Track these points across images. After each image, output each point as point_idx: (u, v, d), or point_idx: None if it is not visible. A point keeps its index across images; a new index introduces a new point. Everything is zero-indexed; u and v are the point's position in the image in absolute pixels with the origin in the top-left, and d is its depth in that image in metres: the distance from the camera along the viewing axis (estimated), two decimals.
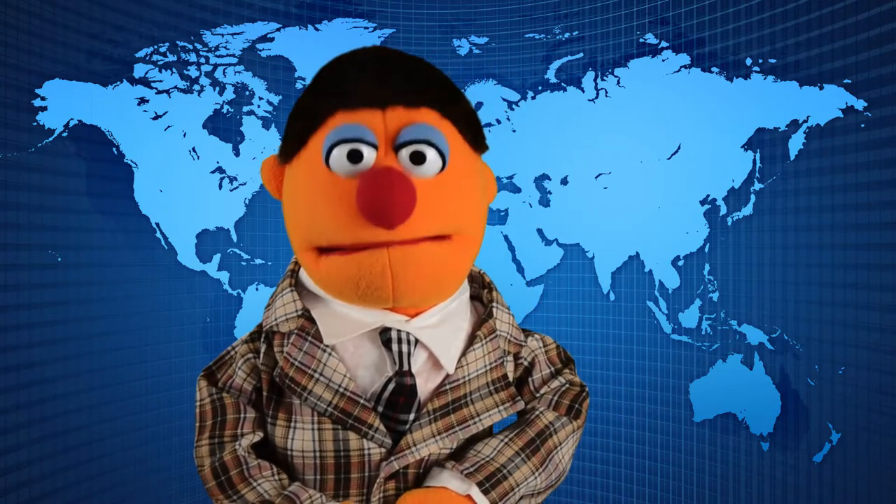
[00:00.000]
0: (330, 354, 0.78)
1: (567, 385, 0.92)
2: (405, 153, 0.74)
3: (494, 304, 0.88)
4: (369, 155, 0.74)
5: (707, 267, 2.39)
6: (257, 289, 2.51)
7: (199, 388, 0.85)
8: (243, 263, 2.48)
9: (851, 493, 2.00)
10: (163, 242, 2.32)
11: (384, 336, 0.79)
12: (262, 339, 0.84)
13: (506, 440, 0.82)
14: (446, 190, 0.76)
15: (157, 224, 2.31)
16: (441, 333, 0.82)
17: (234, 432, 0.80)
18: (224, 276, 2.45)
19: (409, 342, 0.79)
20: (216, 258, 2.43)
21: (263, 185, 0.88)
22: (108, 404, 2.16)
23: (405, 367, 0.78)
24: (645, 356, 2.51)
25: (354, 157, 0.73)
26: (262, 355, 0.83)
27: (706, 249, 2.39)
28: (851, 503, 2.00)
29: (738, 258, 2.31)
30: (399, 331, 0.79)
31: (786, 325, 2.18)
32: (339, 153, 0.74)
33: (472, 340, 0.84)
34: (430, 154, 0.75)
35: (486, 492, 0.76)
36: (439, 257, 0.75)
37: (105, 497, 2.14)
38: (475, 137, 0.83)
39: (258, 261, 2.50)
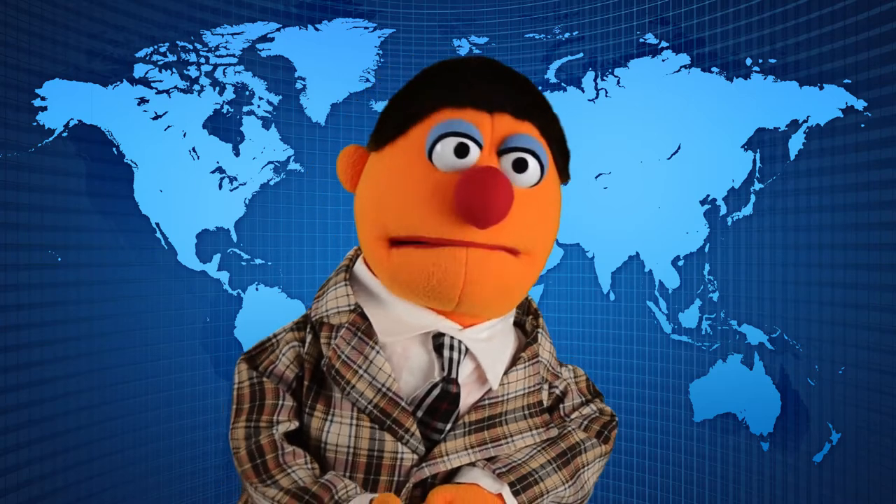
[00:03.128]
0: (378, 352, 0.78)
1: (598, 412, 0.93)
2: (508, 159, 0.75)
3: (540, 331, 0.89)
4: (474, 152, 0.74)
5: (707, 267, 2.39)
6: (257, 289, 2.51)
7: (239, 371, 0.84)
8: (243, 263, 2.48)
9: (851, 493, 2.00)
10: (163, 242, 2.32)
11: (437, 341, 0.79)
12: (309, 330, 0.83)
13: (538, 448, 0.83)
14: (538, 204, 0.78)
15: (157, 224, 2.31)
16: (490, 348, 0.82)
17: (270, 418, 0.79)
18: (224, 276, 2.45)
19: (459, 350, 0.79)
20: (216, 258, 2.43)
21: (337, 176, 0.86)
22: (108, 404, 2.16)
23: (453, 375, 0.78)
24: (645, 356, 2.51)
25: (461, 151, 0.74)
26: (307, 345, 0.82)
27: (706, 249, 2.39)
28: (851, 503, 2.00)
29: (738, 258, 2.31)
30: (452, 338, 0.79)
31: (786, 325, 2.18)
32: (445, 146, 0.74)
33: (515, 361, 0.84)
34: (532, 164, 0.76)
35: (516, 493, 0.76)
36: (513, 269, 0.76)
37: (105, 497, 2.14)
38: (563, 165, 0.85)
39: (258, 261, 2.50)
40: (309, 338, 0.82)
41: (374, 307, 0.82)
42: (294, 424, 0.81)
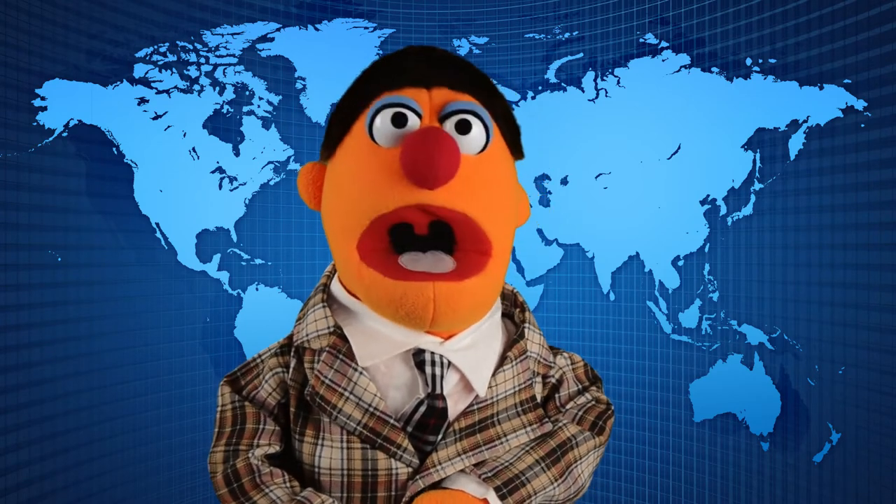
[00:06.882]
0: (361, 373, 0.78)
1: (593, 402, 0.91)
2: (450, 122, 0.75)
3: (527, 325, 0.88)
4: (413, 121, 0.74)
5: (707, 267, 2.39)
6: (257, 289, 2.51)
7: (222, 394, 0.84)
8: (243, 263, 2.48)
9: (851, 493, 2.00)
10: (163, 242, 2.32)
11: (418, 358, 0.79)
12: (292, 354, 0.82)
13: (527, 448, 0.82)
14: (488, 169, 0.77)
15: (157, 224, 2.31)
16: (473, 356, 0.81)
17: (250, 442, 0.79)
18: (224, 276, 2.45)
19: (442, 364, 0.79)
20: (216, 258, 2.43)
21: (299, 195, 0.86)
22: (108, 404, 2.16)
23: (437, 390, 0.78)
24: (645, 356, 2.51)
25: (398, 120, 0.73)
26: (291, 370, 0.82)
27: (706, 249, 2.39)
28: (851, 503, 2.00)
29: (738, 258, 2.31)
30: (433, 353, 0.79)
31: (786, 325, 2.18)
32: (383, 118, 0.74)
33: (502, 361, 0.83)
34: (476, 126, 0.75)
35: (502, 497, 0.76)
36: (482, 290, 0.74)
37: (105, 497, 2.14)
38: (513, 138, 0.84)
39: (258, 261, 2.50)
40: (293, 363, 0.82)
41: (352, 326, 0.81)
42: (274, 448, 0.81)
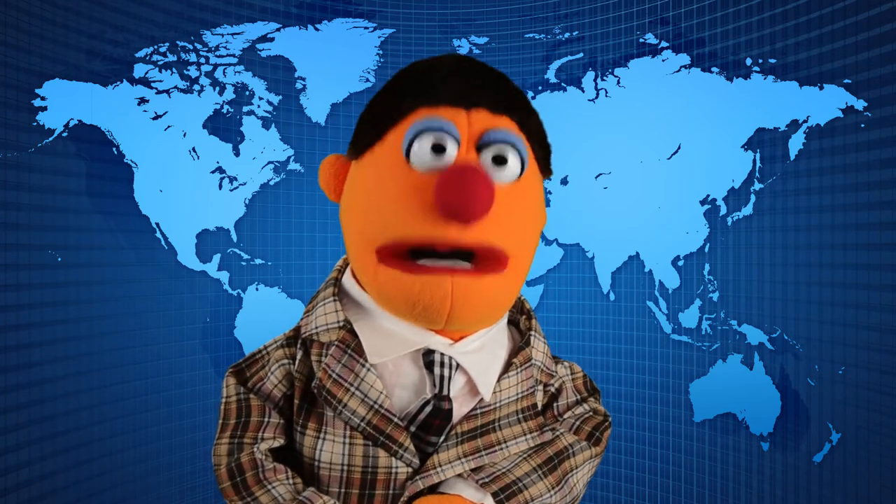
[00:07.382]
0: (369, 370, 0.78)
1: (591, 412, 0.92)
2: (487, 154, 0.74)
3: (533, 333, 0.88)
4: (451, 149, 0.73)
5: (707, 267, 2.39)
6: (257, 289, 2.51)
7: (227, 385, 0.84)
8: (243, 263, 2.48)
9: (851, 493, 2.00)
10: (163, 242, 2.32)
11: (427, 358, 0.79)
12: (299, 346, 0.82)
13: (524, 455, 0.82)
14: (520, 199, 0.77)
15: (157, 224, 2.31)
16: (481, 359, 0.81)
17: (255, 435, 0.79)
18: (224, 276, 2.45)
19: (450, 366, 0.79)
20: (216, 258, 2.43)
21: (320, 187, 0.86)
22: (108, 404, 2.16)
23: (444, 392, 0.78)
24: (645, 356, 2.51)
25: (437, 149, 0.73)
26: (297, 362, 0.82)
27: (706, 249, 2.39)
28: (851, 503, 2.00)
29: (738, 258, 2.31)
30: (442, 354, 0.79)
31: (786, 325, 2.18)
32: (422, 145, 0.73)
33: (507, 367, 0.84)
34: (512, 159, 0.75)
35: (500, 502, 0.76)
36: (499, 289, 0.75)
37: (105, 497, 2.14)
38: (544, 159, 0.84)
39: (258, 261, 2.50)
40: (299, 355, 0.82)
41: (363, 322, 0.81)
42: (279, 441, 0.81)
